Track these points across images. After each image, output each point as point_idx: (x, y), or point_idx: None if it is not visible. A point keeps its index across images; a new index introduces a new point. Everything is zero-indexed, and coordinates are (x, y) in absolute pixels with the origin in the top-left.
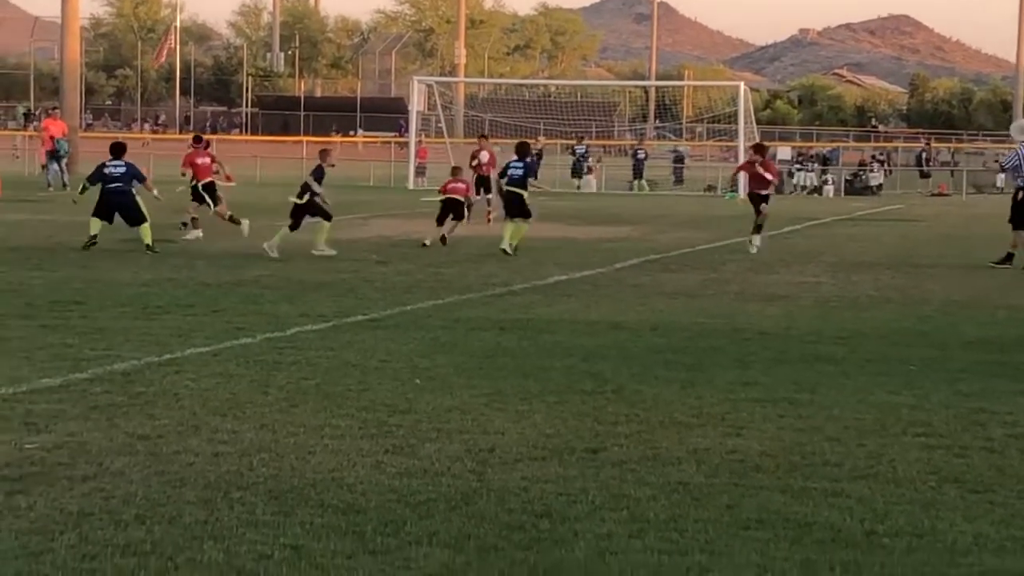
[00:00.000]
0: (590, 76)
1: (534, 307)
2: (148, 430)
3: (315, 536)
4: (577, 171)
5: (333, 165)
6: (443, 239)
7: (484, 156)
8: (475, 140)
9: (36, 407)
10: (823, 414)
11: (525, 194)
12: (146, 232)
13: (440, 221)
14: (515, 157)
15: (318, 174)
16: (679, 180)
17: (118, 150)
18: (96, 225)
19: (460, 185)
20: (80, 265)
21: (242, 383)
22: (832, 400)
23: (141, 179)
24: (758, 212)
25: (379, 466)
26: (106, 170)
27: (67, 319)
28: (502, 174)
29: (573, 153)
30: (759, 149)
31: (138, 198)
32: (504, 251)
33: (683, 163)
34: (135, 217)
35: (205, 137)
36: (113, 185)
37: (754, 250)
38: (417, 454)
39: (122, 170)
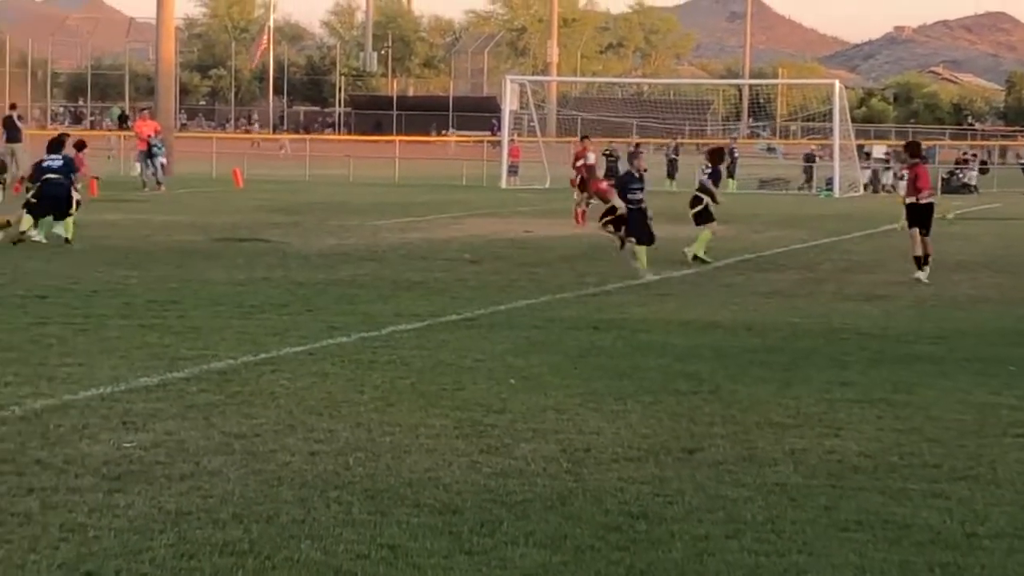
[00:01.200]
0: (683, 74)
1: (628, 307)
2: (245, 429)
3: (411, 536)
4: (671, 172)
5: (646, 169)
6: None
7: (591, 158)
8: (567, 139)
9: (134, 406)
10: (921, 415)
11: (708, 200)
12: (68, 226)
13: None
14: (706, 164)
15: (715, 176)
16: (809, 180)
17: (57, 146)
18: (28, 221)
19: (603, 184)
20: (175, 265)
21: (338, 382)
22: (931, 400)
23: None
24: (921, 228)
25: (475, 466)
26: (44, 163)
27: (164, 318)
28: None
29: (667, 154)
30: (913, 149)
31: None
32: (700, 259)
33: (814, 162)
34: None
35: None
36: (51, 177)
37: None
38: (512, 454)
39: (59, 163)
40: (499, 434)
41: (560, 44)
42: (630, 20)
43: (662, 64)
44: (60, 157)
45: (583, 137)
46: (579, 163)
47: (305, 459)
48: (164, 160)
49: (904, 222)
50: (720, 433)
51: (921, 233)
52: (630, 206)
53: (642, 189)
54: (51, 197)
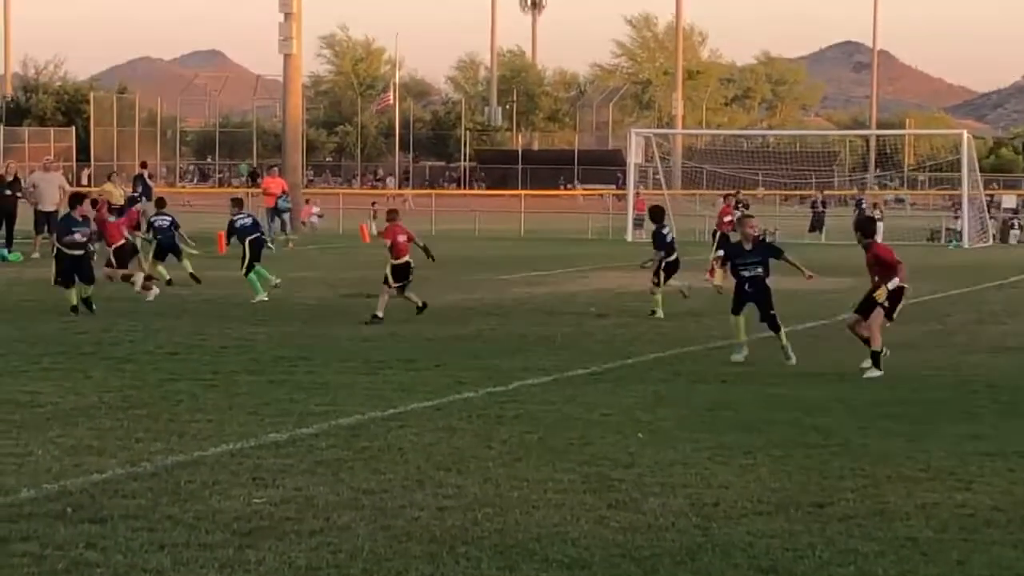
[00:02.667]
0: (810, 126)
1: (757, 360)
2: (373, 484)
3: None
4: (816, 224)
5: (759, 236)
6: None
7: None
8: (692, 191)
9: (264, 462)
10: None
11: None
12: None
13: None
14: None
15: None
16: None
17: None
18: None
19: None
20: (303, 321)
21: (465, 437)
22: None
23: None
24: None
25: (603, 521)
26: (238, 223)
27: (292, 374)
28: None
29: (813, 206)
30: None
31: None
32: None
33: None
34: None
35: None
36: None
37: None
38: (641, 508)
39: (250, 221)
40: (627, 488)
41: (685, 96)
42: (756, 71)
43: (788, 115)
44: (248, 215)
45: (728, 195)
46: (727, 219)
47: (434, 514)
48: (288, 216)
49: None
50: (850, 487)
51: None
52: (745, 283)
53: (759, 262)
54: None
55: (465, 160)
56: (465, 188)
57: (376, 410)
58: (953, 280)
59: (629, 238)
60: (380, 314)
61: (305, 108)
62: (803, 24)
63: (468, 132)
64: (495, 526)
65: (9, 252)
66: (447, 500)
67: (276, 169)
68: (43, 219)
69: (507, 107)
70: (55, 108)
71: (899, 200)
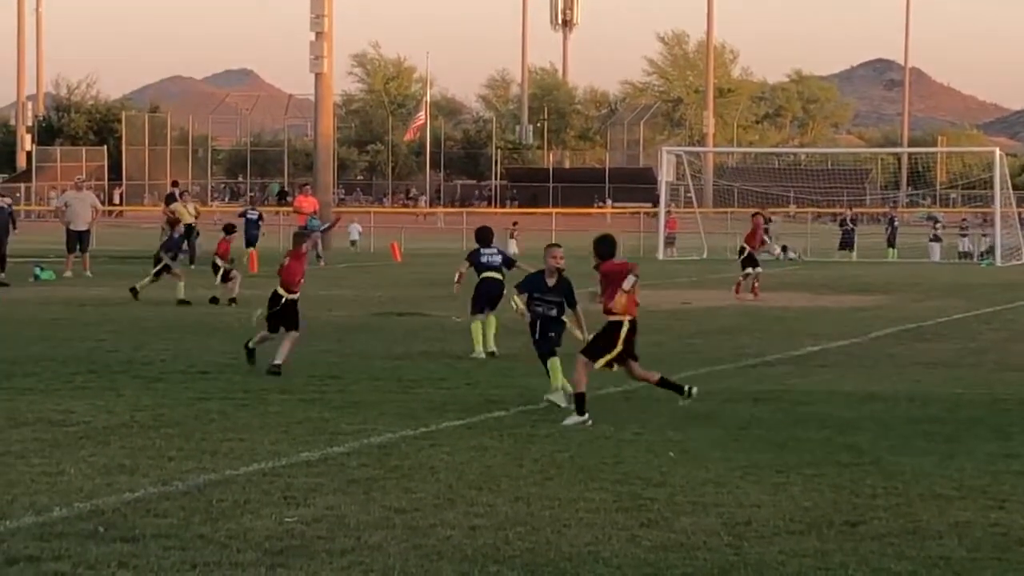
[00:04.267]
0: (841, 143)
1: (788, 378)
2: (405, 503)
3: None
4: (847, 242)
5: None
6: None
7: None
8: (724, 210)
9: (295, 481)
10: None
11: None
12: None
13: None
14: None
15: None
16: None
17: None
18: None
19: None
20: (335, 339)
21: (497, 456)
22: None
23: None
24: None
25: (635, 540)
26: (483, 258)
27: (323, 393)
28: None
29: (842, 224)
30: None
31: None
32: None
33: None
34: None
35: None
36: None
37: None
38: (673, 527)
39: (498, 259)
40: (659, 508)
41: (716, 114)
42: (788, 90)
43: (820, 133)
44: (498, 251)
45: (755, 214)
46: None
47: (465, 533)
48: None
49: None
50: (883, 505)
51: None
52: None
53: (558, 302)
54: (489, 295)
55: (496, 178)
56: (496, 206)
57: (407, 429)
58: (985, 298)
59: (660, 256)
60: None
61: (336, 127)
62: (834, 42)
63: (499, 150)
64: (526, 545)
65: (41, 271)
66: (478, 519)
67: (308, 188)
68: (75, 238)
69: (538, 125)
70: (87, 127)
71: (930, 217)
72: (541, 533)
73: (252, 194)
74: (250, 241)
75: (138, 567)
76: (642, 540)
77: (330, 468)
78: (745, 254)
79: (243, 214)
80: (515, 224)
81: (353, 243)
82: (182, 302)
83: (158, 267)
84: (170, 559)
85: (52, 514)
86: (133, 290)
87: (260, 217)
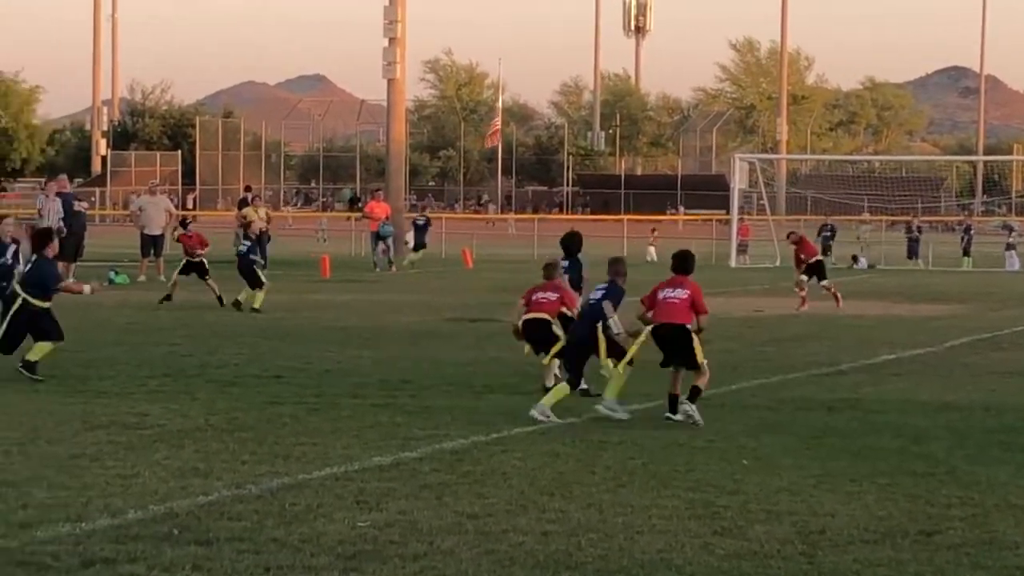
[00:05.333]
0: (915, 151)
1: (862, 386)
2: (477, 509)
3: None
4: (913, 251)
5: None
6: None
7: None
8: (796, 217)
9: (368, 485)
10: None
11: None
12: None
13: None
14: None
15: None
16: None
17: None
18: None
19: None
20: (406, 345)
21: (569, 462)
22: None
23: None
24: None
25: (708, 547)
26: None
27: (395, 398)
28: None
29: (908, 232)
30: None
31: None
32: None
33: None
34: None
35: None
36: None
37: None
38: (746, 536)
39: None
40: (732, 515)
41: (789, 121)
42: (862, 97)
43: (894, 140)
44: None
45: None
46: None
47: (537, 539)
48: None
49: None
50: (958, 515)
51: None
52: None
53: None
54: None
55: (568, 185)
56: (568, 213)
57: (479, 434)
58: None
59: (733, 264)
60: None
61: (408, 132)
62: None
63: (571, 156)
64: (599, 552)
65: (116, 275)
66: (551, 525)
67: (380, 193)
68: (150, 242)
69: (610, 131)
70: (161, 132)
71: (1006, 226)
72: (614, 540)
73: (423, 202)
74: (418, 245)
75: (212, 570)
76: (715, 548)
77: (402, 473)
78: (805, 267)
79: (413, 222)
80: (654, 231)
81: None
82: (254, 310)
83: (252, 275)
84: (244, 562)
85: (127, 516)
86: (236, 303)
87: (428, 223)
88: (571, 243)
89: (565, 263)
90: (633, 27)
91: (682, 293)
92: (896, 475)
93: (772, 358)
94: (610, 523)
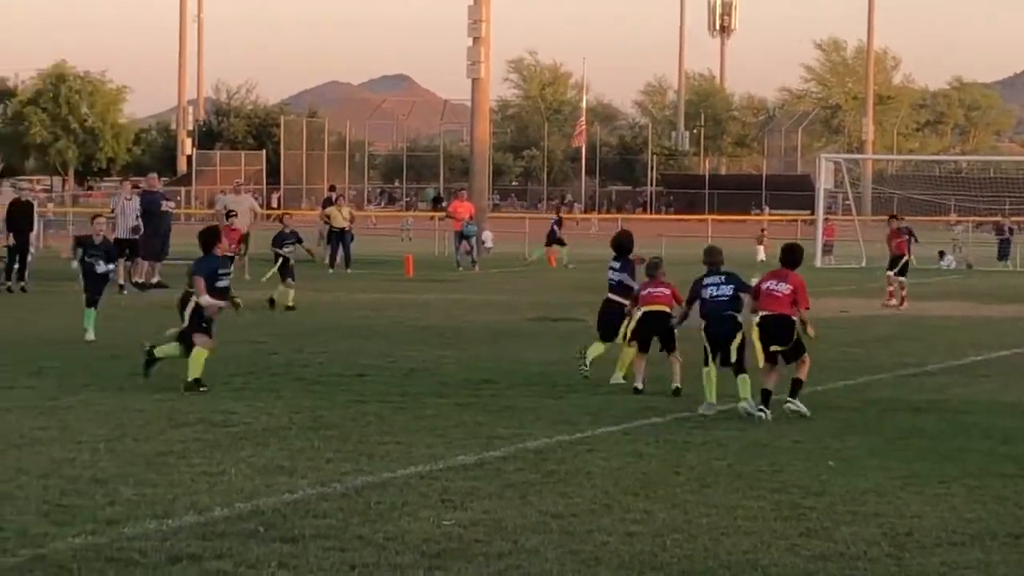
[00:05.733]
0: (1003, 151)
1: (950, 387)
2: (561, 508)
3: None
4: (1004, 252)
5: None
6: None
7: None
8: (883, 217)
9: (452, 484)
10: None
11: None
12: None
13: None
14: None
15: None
16: None
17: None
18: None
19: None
20: (489, 344)
21: (652, 462)
22: None
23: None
24: None
25: (793, 549)
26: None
27: (479, 397)
28: None
29: (999, 232)
30: None
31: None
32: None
33: None
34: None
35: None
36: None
37: None
38: (832, 537)
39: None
40: (818, 517)
41: (875, 121)
42: (949, 97)
43: (981, 140)
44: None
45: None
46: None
47: (622, 539)
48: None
49: None
50: None
51: None
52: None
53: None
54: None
55: (652, 184)
56: (652, 212)
57: (563, 434)
58: None
59: (818, 264)
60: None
61: (492, 132)
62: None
63: (655, 156)
64: (684, 552)
65: None
66: (635, 525)
67: (464, 193)
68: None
69: (694, 131)
70: (246, 131)
71: None
72: (699, 540)
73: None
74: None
75: (298, 567)
76: (801, 549)
77: (486, 472)
78: (901, 264)
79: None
80: (763, 231)
81: (488, 250)
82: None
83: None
84: (329, 560)
85: (213, 513)
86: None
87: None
88: (624, 242)
89: (616, 264)
90: (718, 26)
91: (785, 287)
92: (984, 477)
93: (858, 359)
94: (695, 524)
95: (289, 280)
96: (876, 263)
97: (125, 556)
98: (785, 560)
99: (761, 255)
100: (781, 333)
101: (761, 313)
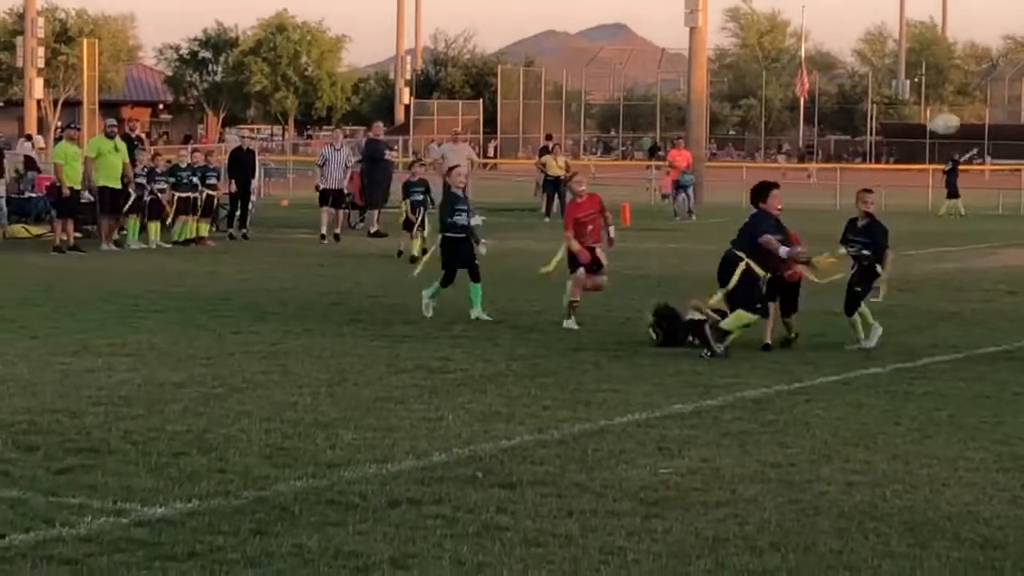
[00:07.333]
0: None
1: None
2: (780, 458)
3: (952, 570)
4: None
5: None
6: None
7: None
8: None
9: (669, 432)
10: None
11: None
12: None
13: None
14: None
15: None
16: None
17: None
18: None
19: None
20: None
21: (873, 413)
22: None
23: None
24: None
25: (1016, 501)
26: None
27: (696, 346)
28: None
29: None
30: None
31: None
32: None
33: None
34: None
35: None
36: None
37: None
38: None
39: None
40: None
41: None
42: None
43: None
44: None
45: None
46: None
47: (841, 489)
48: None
49: None
50: None
51: None
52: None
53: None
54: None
55: (871, 134)
56: (871, 162)
57: (781, 384)
58: None
59: None
60: None
61: (709, 81)
62: None
63: (875, 106)
64: (904, 503)
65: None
66: (855, 476)
67: (681, 142)
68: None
69: (915, 80)
70: (463, 81)
71: None
72: (919, 492)
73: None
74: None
75: (516, 512)
76: None
77: (703, 421)
78: None
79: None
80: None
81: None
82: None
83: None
84: (547, 506)
85: (432, 459)
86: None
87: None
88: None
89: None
90: None
91: None
92: None
93: None
94: (915, 475)
95: (418, 230)
96: None
97: (345, 499)
98: (1008, 512)
99: (959, 208)
100: None
101: None
